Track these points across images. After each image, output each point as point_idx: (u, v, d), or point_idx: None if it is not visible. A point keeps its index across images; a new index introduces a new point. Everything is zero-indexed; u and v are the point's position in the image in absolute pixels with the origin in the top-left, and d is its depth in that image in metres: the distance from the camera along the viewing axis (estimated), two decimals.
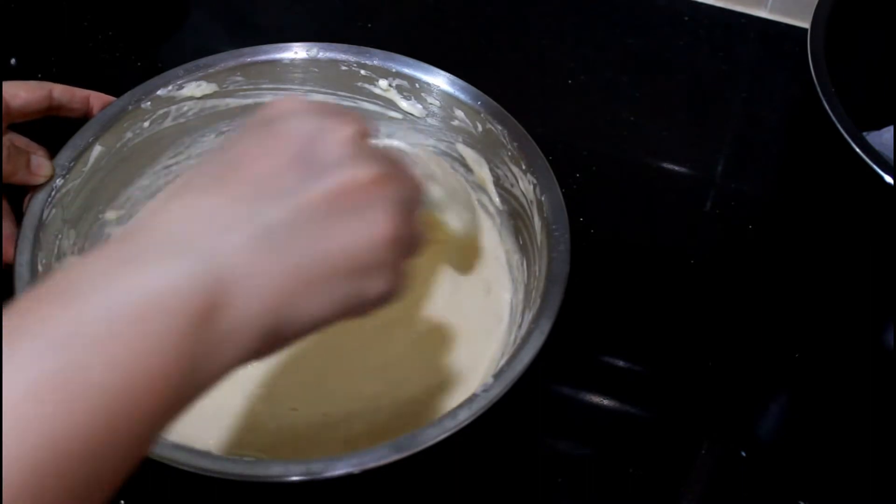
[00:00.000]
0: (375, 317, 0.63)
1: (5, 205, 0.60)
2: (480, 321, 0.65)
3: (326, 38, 0.69)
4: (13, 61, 0.85)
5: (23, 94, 0.59)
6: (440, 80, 0.67)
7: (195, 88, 0.68)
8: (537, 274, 0.60)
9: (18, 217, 0.61)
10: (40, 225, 0.60)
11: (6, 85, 0.59)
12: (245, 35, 0.89)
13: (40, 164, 0.61)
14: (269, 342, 0.36)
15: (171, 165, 0.70)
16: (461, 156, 0.69)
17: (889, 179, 0.57)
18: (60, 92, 0.62)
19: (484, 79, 0.68)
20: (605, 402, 0.67)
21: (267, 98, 0.70)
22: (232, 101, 0.70)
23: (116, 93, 0.66)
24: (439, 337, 0.64)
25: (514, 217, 0.66)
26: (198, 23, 0.91)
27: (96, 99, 0.64)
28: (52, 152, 0.62)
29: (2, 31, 0.87)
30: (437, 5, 0.91)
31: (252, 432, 0.60)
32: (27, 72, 0.83)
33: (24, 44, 0.86)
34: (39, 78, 0.83)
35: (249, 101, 0.70)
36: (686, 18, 0.90)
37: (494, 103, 0.66)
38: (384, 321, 0.65)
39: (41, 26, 0.88)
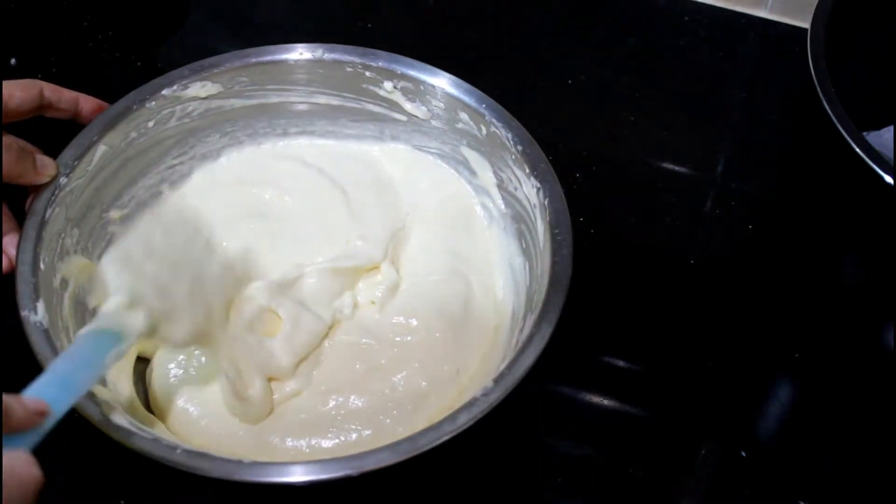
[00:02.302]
0: (383, 317, 0.64)
1: (6, 209, 0.60)
2: (482, 323, 0.65)
3: (326, 38, 0.69)
4: (13, 61, 0.85)
5: (18, 93, 0.59)
6: (445, 83, 0.67)
7: (200, 88, 0.68)
8: (539, 278, 0.60)
9: (20, 220, 0.61)
10: (43, 223, 0.60)
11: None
12: (245, 35, 0.89)
13: (45, 163, 0.60)
14: None
15: (175, 165, 0.70)
16: (465, 158, 0.69)
17: (889, 179, 0.57)
18: (50, 91, 0.62)
19: (483, 79, 0.68)
20: (605, 402, 0.67)
21: (272, 99, 0.70)
22: (237, 102, 0.69)
23: (116, 93, 0.66)
24: (441, 339, 0.64)
25: (518, 220, 0.66)
26: (198, 23, 0.91)
27: (85, 101, 0.64)
28: (54, 152, 0.62)
29: (2, 31, 0.87)
30: (436, 5, 0.92)
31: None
32: (27, 72, 0.83)
33: (24, 44, 0.86)
34: (40, 78, 0.83)
35: (254, 101, 0.70)
36: (686, 18, 0.90)
37: (499, 106, 0.66)
38: (389, 322, 0.65)
39: (41, 26, 0.88)
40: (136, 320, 0.55)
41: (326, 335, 0.64)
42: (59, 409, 0.47)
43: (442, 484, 0.62)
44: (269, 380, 0.61)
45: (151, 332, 0.57)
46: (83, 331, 0.55)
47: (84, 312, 0.62)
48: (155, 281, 0.59)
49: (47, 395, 0.47)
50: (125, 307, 0.56)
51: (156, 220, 0.66)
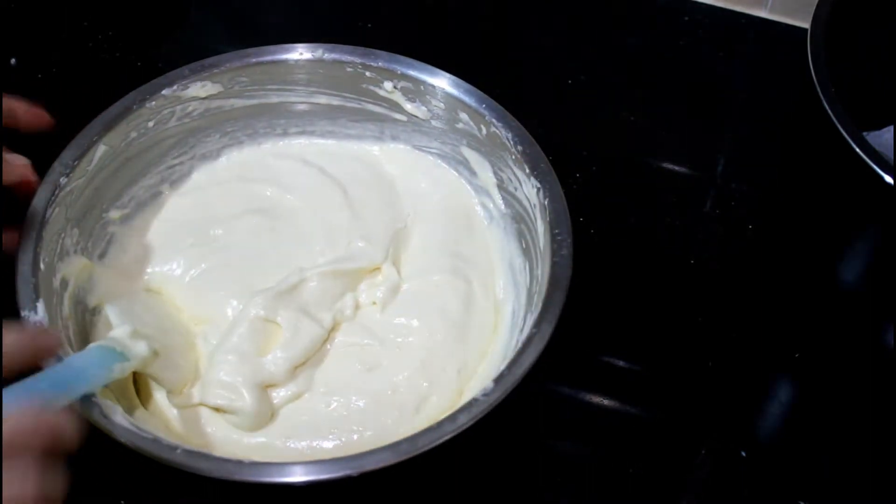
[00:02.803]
0: (382, 317, 0.64)
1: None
2: (483, 323, 0.65)
3: (326, 38, 0.69)
4: (13, 61, 0.85)
5: None
6: (445, 83, 0.67)
7: (200, 88, 0.68)
8: (539, 278, 0.60)
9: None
10: (43, 223, 0.60)
11: None
12: (244, 35, 0.89)
13: (16, 157, 0.59)
14: None
15: (175, 165, 0.70)
16: (465, 158, 0.69)
17: (889, 179, 0.57)
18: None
19: (483, 79, 0.68)
20: (605, 402, 0.67)
21: (272, 99, 0.70)
22: (237, 102, 0.69)
23: (116, 93, 0.66)
24: (442, 339, 0.64)
25: (518, 221, 0.66)
26: (198, 23, 0.91)
27: (18, 104, 0.60)
28: (53, 153, 0.62)
29: (2, 31, 0.87)
30: (436, 5, 0.92)
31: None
32: (27, 72, 0.83)
33: (24, 44, 0.86)
34: (39, 78, 0.83)
35: (254, 101, 0.70)
36: (686, 18, 0.90)
37: (499, 106, 0.66)
38: (390, 323, 0.65)
39: (41, 26, 0.88)
40: (140, 347, 0.57)
41: (327, 338, 0.64)
42: (56, 404, 0.48)
43: (442, 484, 0.62)
44: (266, 387, 0.61)
45: (153, 359, 0.58)
46: (93, 344, 0.57)
47: (84, 312, 0.62)
48: (154, 328, 0.61)
49: (47, 386, 0.48)
50: (129, 336, 0.57)
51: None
